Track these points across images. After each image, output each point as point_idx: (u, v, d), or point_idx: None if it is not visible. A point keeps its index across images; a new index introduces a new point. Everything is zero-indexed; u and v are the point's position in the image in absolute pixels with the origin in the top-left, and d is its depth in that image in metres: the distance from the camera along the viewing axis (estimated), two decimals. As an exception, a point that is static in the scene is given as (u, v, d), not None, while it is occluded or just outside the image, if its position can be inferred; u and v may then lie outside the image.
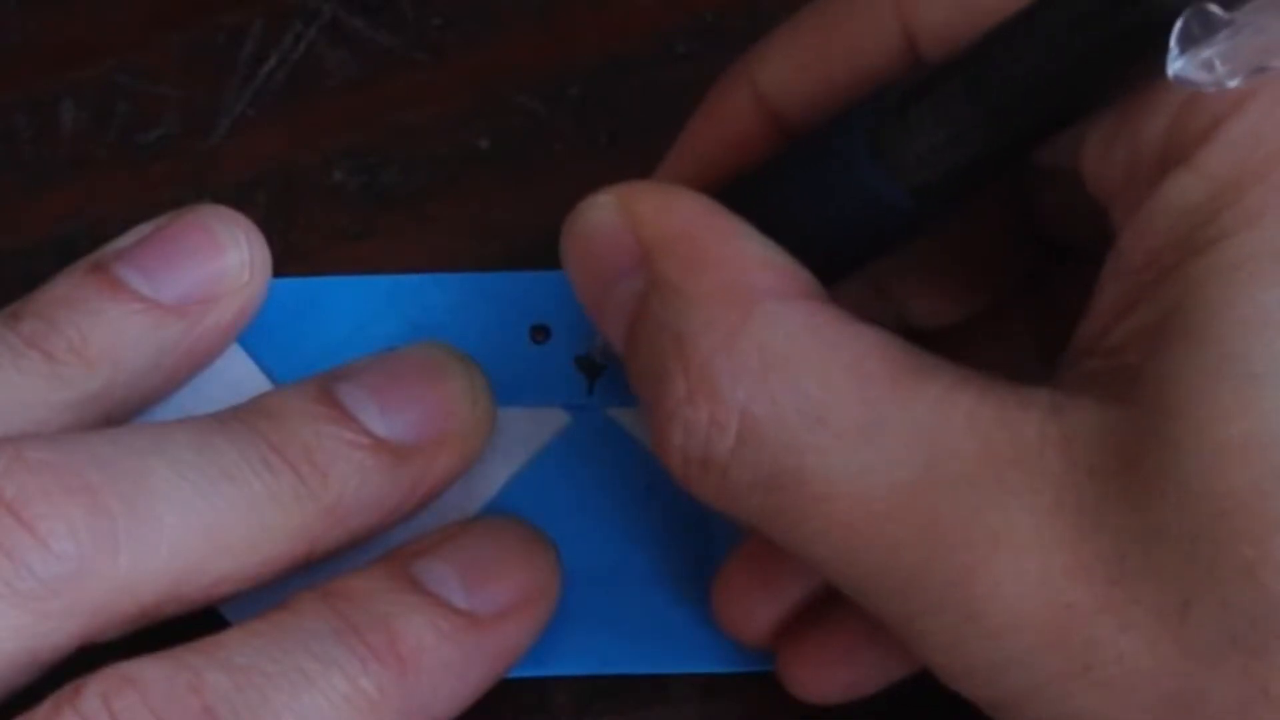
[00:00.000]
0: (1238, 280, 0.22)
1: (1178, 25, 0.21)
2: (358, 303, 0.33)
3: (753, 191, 0.27)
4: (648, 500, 0.31)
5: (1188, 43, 0.21)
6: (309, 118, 0.35)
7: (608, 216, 0.26)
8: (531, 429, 0.32)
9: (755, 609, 0.29)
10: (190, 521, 0.27)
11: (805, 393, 0.24)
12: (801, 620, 0.29)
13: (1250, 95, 0.23)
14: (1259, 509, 0.21)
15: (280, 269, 0.32)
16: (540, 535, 0.30)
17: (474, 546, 0.29)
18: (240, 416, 0.29)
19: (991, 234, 0.29)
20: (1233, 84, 0.21)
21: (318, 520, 0.28)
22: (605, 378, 0.32)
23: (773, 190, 0.27)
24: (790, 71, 0.28)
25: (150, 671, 0.26)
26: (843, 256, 0.27)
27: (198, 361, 0.31)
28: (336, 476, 0.28)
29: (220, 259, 0.31)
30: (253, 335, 0.32)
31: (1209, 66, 0.21)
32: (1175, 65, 0.22)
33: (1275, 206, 0.22)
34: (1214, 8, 0.21)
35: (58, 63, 0.36)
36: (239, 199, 0.33)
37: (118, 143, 0.35)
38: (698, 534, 0.31)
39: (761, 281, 0.25)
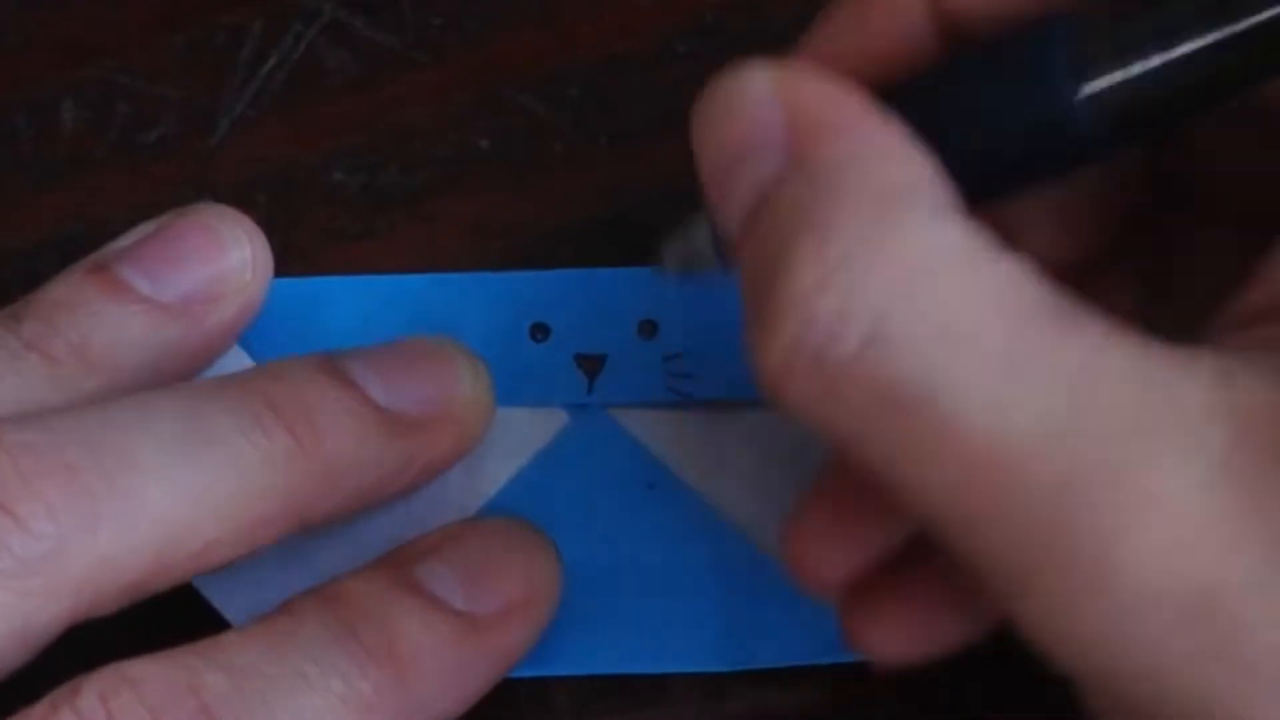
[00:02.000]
0: None
1: None
2: (358, 303, 0.33)
3: (918, 96, 0.25)
4: (648, 500, 0.31)
5: None
6: (309, 118, 0.35)
7: (762, 89, 0.24)
8: (531, 429, 0.32)
9: (834, 553, 0.26)
10: (176, 492, 0.27)
11: (950, 309, 0.22)
12: (878, 572, 0.26)
13: None
14: None
15: (280, 269, 0.32)
16: (540, 536, 0.30)
17: (474, 548, 0.29)
18: (241, 379, 0.29)
19: (1124, 170, 0.27)
20: None
21: (310, 482, 0.28)
22: (605, 376, 0.32)
23: (943, 98, 0.25)
24: None
25: (148, 671, 0.26)
26: (1006, 184, 0.25)
27: (200, 362, 0.31)
28: (333, 438, 0.28)
29: (222, 259, 0.31)
30: (253, 335, 0.32)
31: None
32: None
33: None
34: None
35: (58, 63, 0.36)
36: (239, 199, 0.33)
37: (118, 143, 0.35)
38: (698, 533, 0.31)
39: (919, 188, 0.23)
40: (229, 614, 0.30)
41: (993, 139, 0.24)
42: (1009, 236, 0.25)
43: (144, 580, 0.27)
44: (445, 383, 0.30)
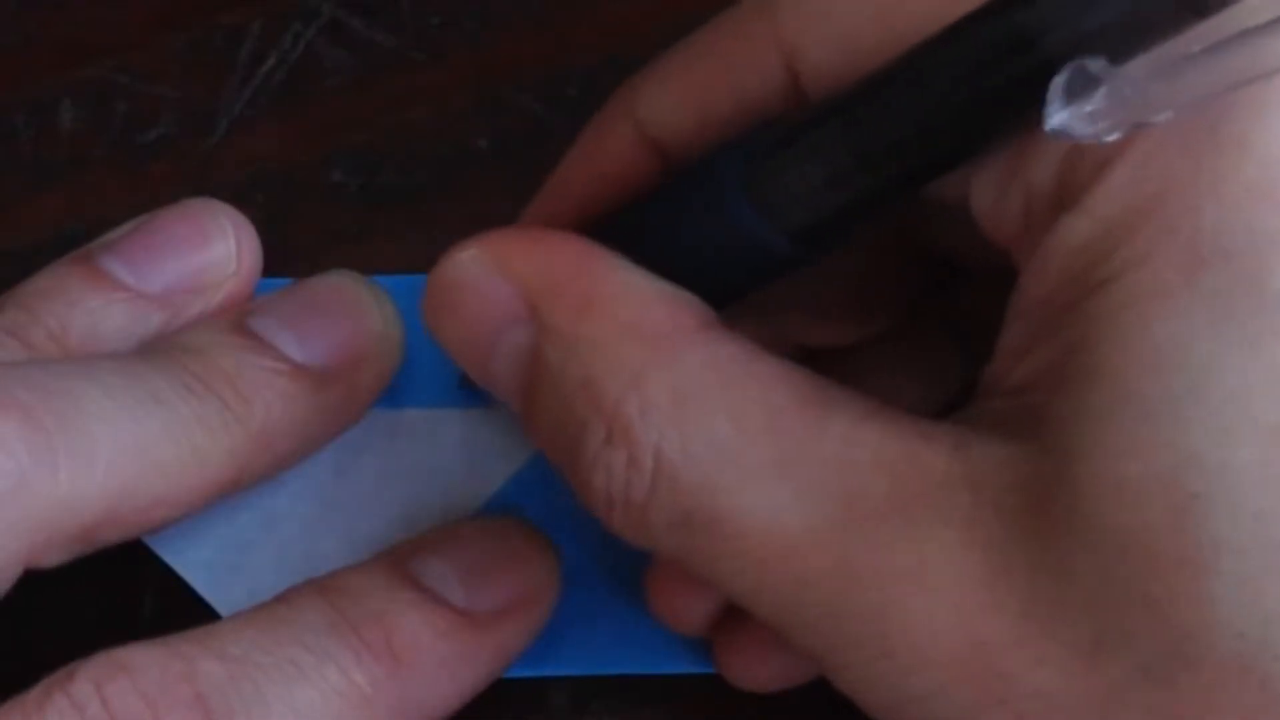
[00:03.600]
0: (1130, 319, 0.22)
1: (1058, 80, 0.21)
2: None
3: (630, 226, 0.27)
4: None
5: (1069, 97, 0.21)
6: (308, 118, 0.35)
7: (478, 270, 0.26)
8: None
9: (689, 603, 0.29)
10: (123, 440, 0.27)
11: (715, 430, 0.24)
12: (735, 610, 0.28)
13: (1134, 139, 0.23)
14: (1160, 546, 0.21)
15: (279, 269, 0.32)
16: (540, 536, 0.30)
17: (474, 545, 0.29)
18: (161, 350, 0.29)
19: (882, 258, 0.29)
20: (1111, 138, 0.22)
21: (246, 445, 0.28)
22: None
23: (650, 225, 0.27)
24: (672, 102, 0.27)
25: (143, 658, 0.26)
26: (724, 289, 0.26)
27: None
28: (260, 402, 0.29)
29: (206, 250, 0.31)
30: None
31: (1090, 120, 0.22)
32: (1055, 119, 0.22)
33: (1162, 246, 0.22)
34: (1094, 65, 0.21)
35: (57, 63, 0.36)
36: (238, 199, 0.33)
37: (117, 143, 0.35)
38: None
39: (657, 316, 0.25)
40: (220, 607, 0.30)
41: (699, 256, 0.26)
42: (786, 326, 0.29)
43: (95, 528, 0.27)
44: (357, 328, 0.30)
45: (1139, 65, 0.22)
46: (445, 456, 0.32)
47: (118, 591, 0.32)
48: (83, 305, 0.30)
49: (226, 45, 0.36)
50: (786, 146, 0.25)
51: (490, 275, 0.26)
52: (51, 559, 0.27)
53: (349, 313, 0.30)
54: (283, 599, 0.28)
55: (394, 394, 0.32)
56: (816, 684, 0.30)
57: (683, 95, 0.27)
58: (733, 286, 0.27)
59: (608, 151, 0.28)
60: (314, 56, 0.36)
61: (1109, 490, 0.22)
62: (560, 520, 0.31)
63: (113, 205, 0.34)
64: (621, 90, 0.28)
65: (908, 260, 0.30)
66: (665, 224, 0.26)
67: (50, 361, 0.29)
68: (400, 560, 0.29)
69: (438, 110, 0.35)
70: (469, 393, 0.32)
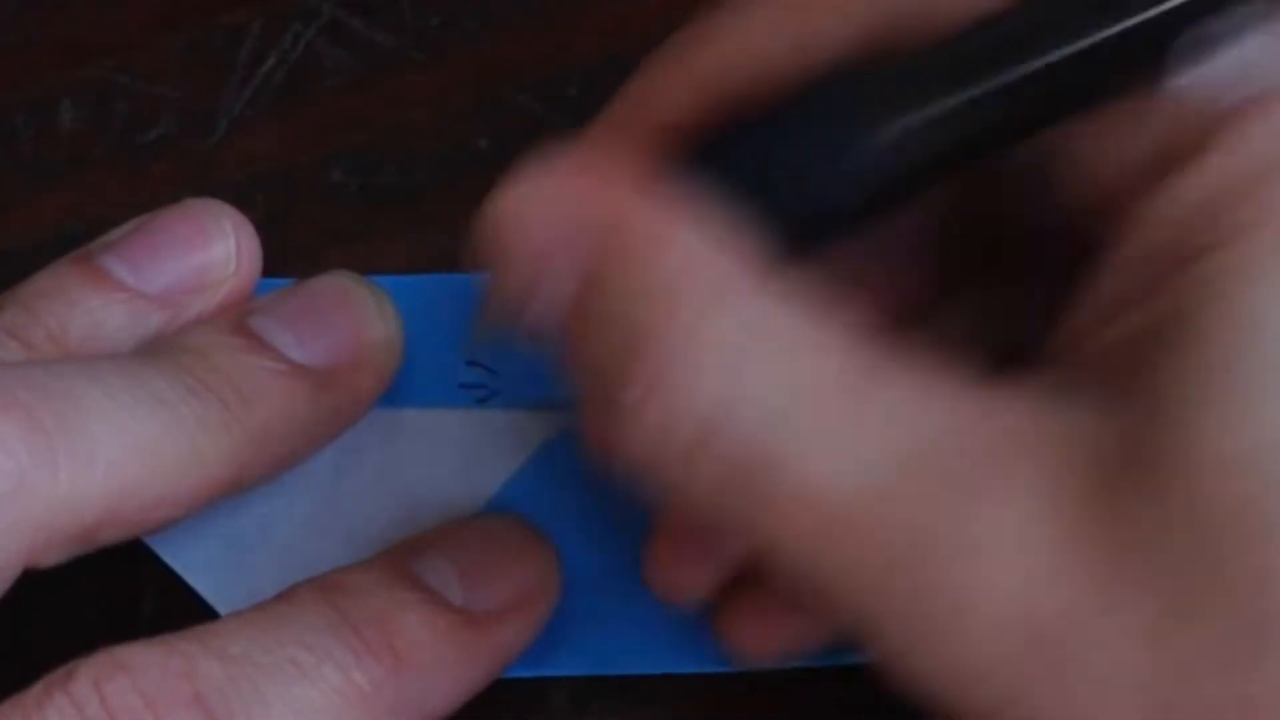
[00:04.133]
0: (1236, 287, 0.22)
1: (1184, 37, 0.21)
2: None
3: (718, 149, 0.26)
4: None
5: (1186, 58, 0.21)
6: (308, 118, 0.35)
7: (537, 202, 0.25)
8: (532, 429, 0.32)
9: (691, 572, 0.29)
10: (124, 440, 0.27)
11: (775, 385, 0.23)
12: (738, 579, 0.28)
13: (1246, 108, 0.22)
14: (1258, 521, 0.21)
15: (279, 269, 0.32)
16: (541, 535, 0.30)
17: (474, 544, 0.29)
18: (161, 350, 0.29)
19: (936, 223, 0.29)
20: (1227, 101, 0.21)
21: (246, 445, 0.28)
22: None
23: (743, 152, 0.26)
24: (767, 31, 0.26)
25: (143, 657, 0.26)
26: (809, 231, 0.25)
27: None
28: (261, 403, 0.29)
29: (206, 250, 0.31)
30: None
31: (1206, 82, 0.21)
32: (1173, 79, 0.22)
33: (1273, 215, 0.22)
34: (1216, 25, 0.21)
35: (57, 63, 0.36)
36: (238, 199, 0.33)
37: (117, 143, 0.35)
38: None
39: (717, 267, 0.24)
40: (220, 605, 0.30)
41: (794, 192, 0.25)
42: (848, 280, 0.27)
43: (95, 528, 0.27)
44: (356, 328, 0.30)
45: (1259, 33, 0.21)
46: (445, 456, 0.32)
47: (118, 591, 0.32)
48: (83, 305, 0.30)
49: (226, 45, 0.36)
50: (901, 85, 0.24)
51: (547, 208, 0.25)
52: (51, 558, 0.27)
53: (349, 313, 0.30)
54: (283, 598, 0.28)
55: (394, 394, 0.32)
56: (818, 686, 0.30)
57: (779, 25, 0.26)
58: (822, 229, 0.26)
59: (699, 65, 0.27)
60: (314, 56, 0.36)
61: (1209, 460, 0.21)
62: (560, 519, 0.31)
63: (113, 205, 0.34)
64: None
65: (952, 232, 0.29)
66: (759, 153, 0.25)
67: (51, 362, 0.29)
68: (401, 560, 0.29)
69: (438, 110, 0.35)
70: (471, 390, 0.32)
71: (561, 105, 0.35)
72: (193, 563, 0.31)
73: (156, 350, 0.29)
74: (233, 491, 0.29)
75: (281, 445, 0.29)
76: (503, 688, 0.29)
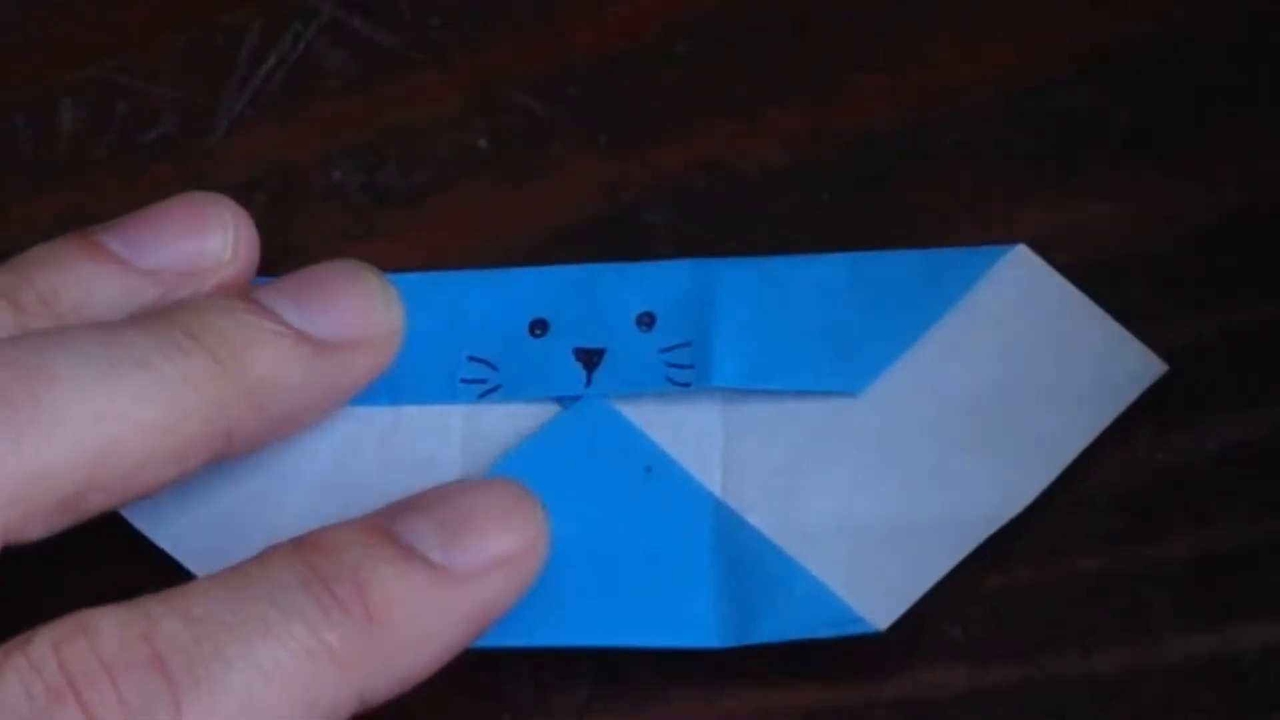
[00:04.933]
0: None
1: None
2: None
3: None
4: (645, 482, 0.31)
5: None
6: (308, 118, 0.35)
7: None
8: (525, 424, 0.32)
9: None
10: (99, 406, 0.27)
11: None
12: None
13: None
14: None
15: (279, 269, 0.32)
16: (527, 494, 0.29)
17: (456, 503, 0.29)
18: (156, 311, 0.29)
19: None
20: None
21: (235, 401, 0.28)
22: (603, 369, 0.32)
23: None
24: None
25: (105, 620, 0.26)
26: None
27: None
28: (254, 359, 0.29)
29: (203, 235, 0.31)
30: None
31: None
32: None
33: None
34: None
35: (57, 63, 0.36)
36: (238, 199, 0.33)
37: (117, 143, 0.35)
38: (697, 514, 0.31)
39: None
40: (194, 567, 0.30)
41: None
42: None
43: (76, 498, 0.27)
44: (360, 306, 0.30)
45: None
46: (444, 453, 0.32)
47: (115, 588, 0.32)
48: (75, 272, 0.30)
49: (226, 45, 0.36)
50: None
51: None
52: (34, 532, 0.27)
53: (355, 293, 0.30)
54: (257, 558, 0.27)
55: (394, 391, 0.32)
56: (822, 689, 0.30)
57: None
58: None
59: None
60: (314, 57, 0.36)
61: None
62: (554, 502, 0.31)
63: (113, 205, 0.34)
64: None
65: None
66: None
67: (24, 333, 0.28)
68: (381, 518, 0.28)
69: (437, 110, 0.35)
70: (472, 385, 0.32)
71: (561, 105, 0.35)
72: (188, 550, 0.31)
73: (151, 313, 0.29)
74: (225, 452, 0.29)
75: (275, 406, 0.29)
76: (503, 688, 0.29)
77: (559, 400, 0.32)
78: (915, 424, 0.31)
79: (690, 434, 0.32)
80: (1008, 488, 0.31)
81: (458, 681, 0.30)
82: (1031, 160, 0.34)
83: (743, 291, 0.32)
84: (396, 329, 0.31)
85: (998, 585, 0.31)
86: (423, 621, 0.27)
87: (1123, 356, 0.32)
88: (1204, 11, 0.34)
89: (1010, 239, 0.33)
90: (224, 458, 0.29)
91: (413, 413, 0.32)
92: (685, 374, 0.32)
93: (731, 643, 0.30)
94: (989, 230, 0.33)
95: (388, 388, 0.32)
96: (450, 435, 0.32)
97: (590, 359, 0.32)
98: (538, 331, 0.33)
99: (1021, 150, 0.34)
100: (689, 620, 0.30)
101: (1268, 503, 0.31)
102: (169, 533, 0.31)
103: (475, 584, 0.28)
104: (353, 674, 0.26)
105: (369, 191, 0.34)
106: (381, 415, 0.32)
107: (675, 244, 0.34)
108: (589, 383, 0.32)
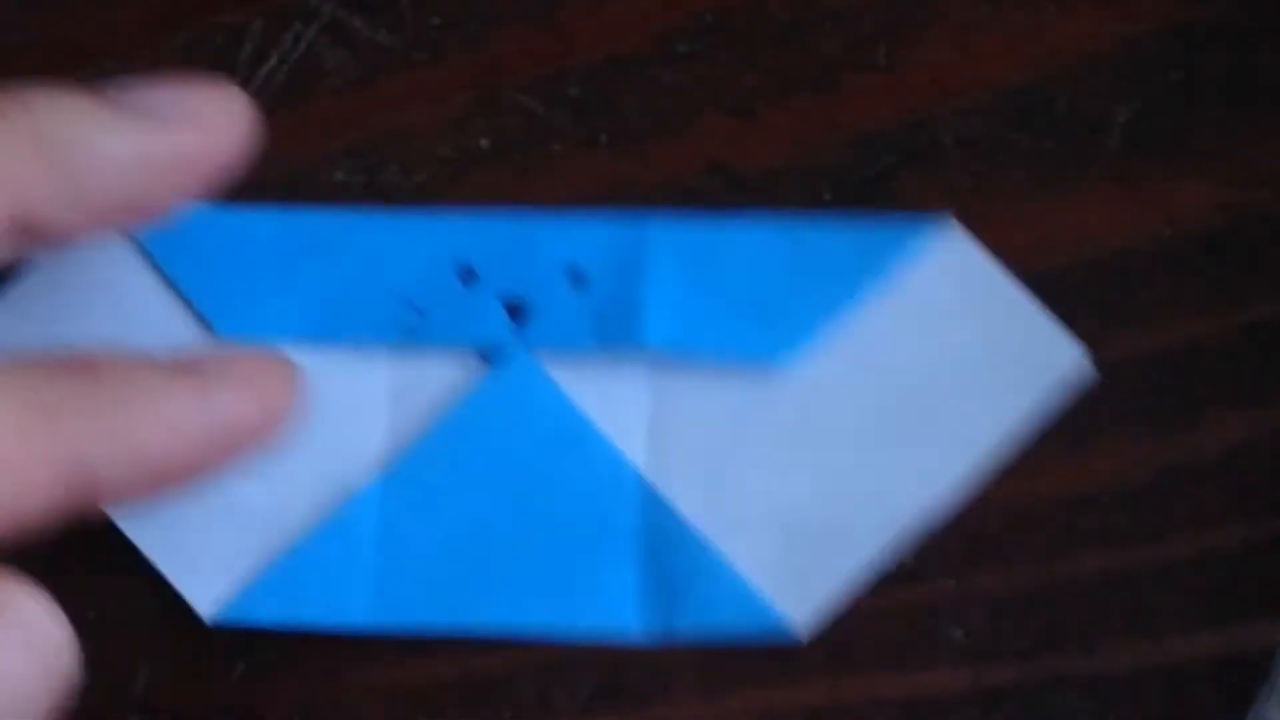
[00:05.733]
0: None
1: None
2: (287, 238, 0.33)
3: None
4: (570, 455, 0.32)
5: None
6: (309, 118, 0.35)
7: None
8: (454, 374, 0.32)
9: None
10: None
11: None
12: None
13: None
14: None
15: (280, 269, 0.32)
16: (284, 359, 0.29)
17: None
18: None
19: None
20: None
21: (26, 161, 0.26)
22: (530, 322, 0.32)
23: None
24: None
25: None
26: None
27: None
28: (45, 111, 0.26)
29: (202, 93, 0.29)
30: (170, 260, 0.33)
31: None
32: None
33: None
34: None
35: (58, 63, 0.36)
36: (238, 198, 0.33)
37: (117, 143, 0.35)
38: (620, 494, 0.31)
39: None
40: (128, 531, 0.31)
41: None
42: None
43: None
44: (205, 94, 0.28)
45: None
46: (370, 401, 0.32)
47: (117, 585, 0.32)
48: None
49: (226, 45, 0.36)
50: None
51: None
52: None
53: (201, 83, 0.28)
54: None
55: (320, 327, 0.32)
56: (822, 689, 0.30)
57: None
58: None
59: None
60: (315, 56, 0.35)
61: None
62: (480, 471, 0.31)
63: (113, 205, 0.34)
64: None
65: None
66: None
67: None
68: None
69: (438, 110, 0.35)
70: (401, 328, 0.32)
71: (561, 105, 0.35)
72: (117, 508, 0.31)
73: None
74: (30, 238, 0.27)
75: (77, 170, 0.27)
76: (503, 688, 0.29)
77: (483, 349, 0.32)
78: (839, 406, 0.32)
79: (616, 401, 0.32)
80: (930, 479, 0.31)
81: (458, 681, 0.31)
82: (1031, 160, 0.34)
83: (676, 253, 0.33)
84: (245, 118, 0.29)
85: (999, 585, 0.31)
86: (157, 395, 0.27)
87: (1046, 344, 0.32)
88: (1204, 11, 0.34)
89: (1010, 239, 0.33)
90: (32, 247, 0.27)
91: (338, 357, 0.32)
92: (612, 333, 0.32)
93: (647, 639, 0.30)
94: (989, 230, 0.33)
95: (312, 324, 0.32)
96: (377, 383, 0.32)
97: (517, 310, 0.32)
98: (466, 278, 0.33)
99: (1021, 150, 0.34)
100: (609, 606, 0.31)
101: (1270, 502, 0.31)
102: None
103: (219, 384, 0.27)
104: (76, 431, 0.25)
105: (370, 191, 0.34)
106: (307, 359, 0.32)
107: (676, 244, 0.34)
108: (514, 333, 0.32)
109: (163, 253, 0.33)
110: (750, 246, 0.33)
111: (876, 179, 0.34)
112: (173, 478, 0.27)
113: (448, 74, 0.35)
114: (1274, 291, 0.32)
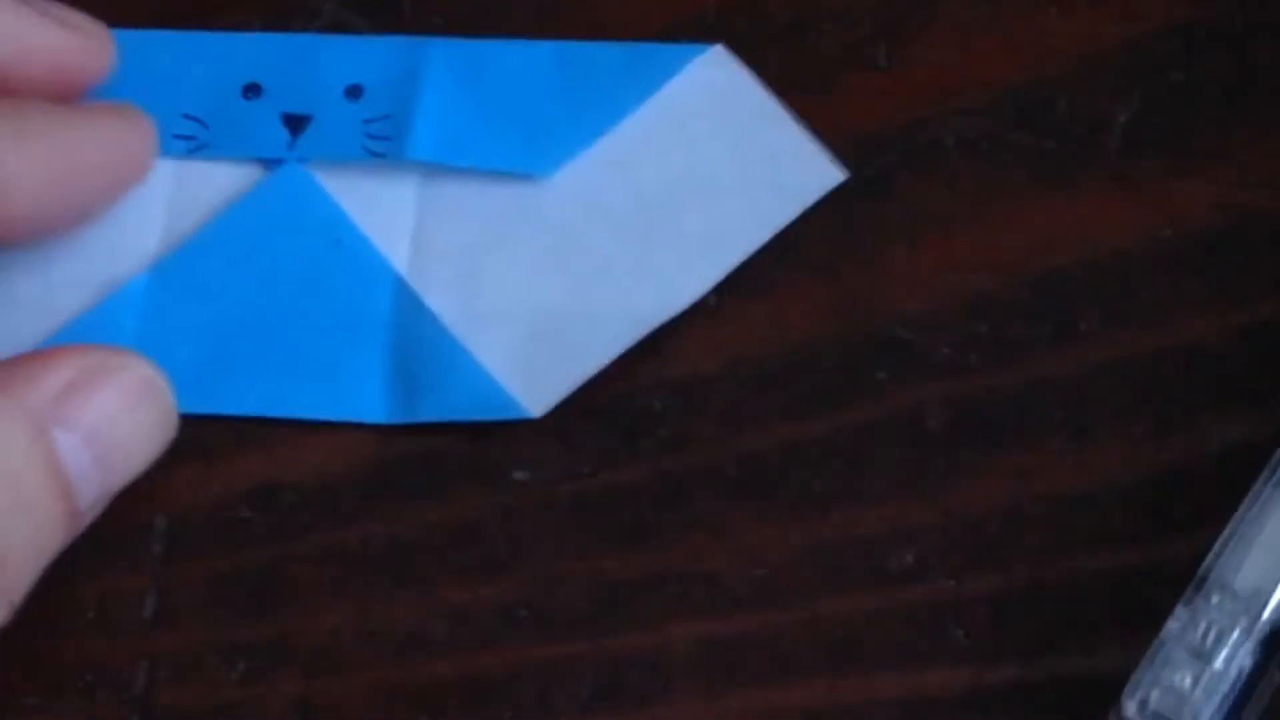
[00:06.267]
0: None
1: None
2: None
3: None
4: (332, 255, 0.33)
5: None
6: (309, 117, 0.35)
7: None
8: (228, 182, 0.33)
9: None
10: None
11: None
12: None
13: None
14: None
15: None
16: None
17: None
18: None
19: None
20: None
21: None
22: (307, 135, 0.33)
23: None
24: None
25: None
26: None
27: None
28: None
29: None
30: None
31: None
32: None
33: None
34: None
35: (58, 63, 0.36)
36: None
37: (118, 143, 0.35)
38: (376, 289, 0.33)
39: None
40: None
41: None
42: None
43: None
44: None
45: None
46: (149, 208, 0.33)
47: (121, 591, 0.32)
48: None
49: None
50: None
51: None
52: None
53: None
54: None
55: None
56: (822, 689, 0.30)
57: None
58: None
59: None
60: (315, 56, 0.35)
61: None
62: (245, 270, 0.33)
63: (113, 205, 0.34)
64: None
65: None
66: None
67: None
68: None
69: (438, 110, 0.35)
70: (184, 141, 0.34)
71: (562, 105, 0.35)
72: None
73: None
74: None
75: None
76: (504, 686, 0.29)
77: (264, 162, 0.33)
78: (597, 214, 0.33)
79: (383, 208, 0.33)
80: (674, 284, 0.32)
81: (458, 681, 0.31)
82: (1031, 160, 0.34)
83: (449, 70, 0.34)
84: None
85: (999, 585, 0.31)
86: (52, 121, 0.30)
87: (804, 161, 0.33)
88: (1204, 11, 0.34)
89: (1010, 239, 0.33)
90: None
91: None
92: (383, 145, 0.33)
93: (392, 419, 0.32)
94: (989, 230, 0.33)
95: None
96: (157, 189, 0.33)
97: (296, 124, 0.34)
98: (250, 94, 0.34)
99: (1021, 150, 0.34)
100: (356, 394, 0.32)
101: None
102: None
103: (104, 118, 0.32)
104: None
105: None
106: None
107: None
108: (291, 146, 0.33)
109: None
110: (523, 64, 0.34)
111: (876, 179, 0.34)
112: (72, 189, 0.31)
113: (448, 74, 0.35)
114: (1274, 291, 0.32)
